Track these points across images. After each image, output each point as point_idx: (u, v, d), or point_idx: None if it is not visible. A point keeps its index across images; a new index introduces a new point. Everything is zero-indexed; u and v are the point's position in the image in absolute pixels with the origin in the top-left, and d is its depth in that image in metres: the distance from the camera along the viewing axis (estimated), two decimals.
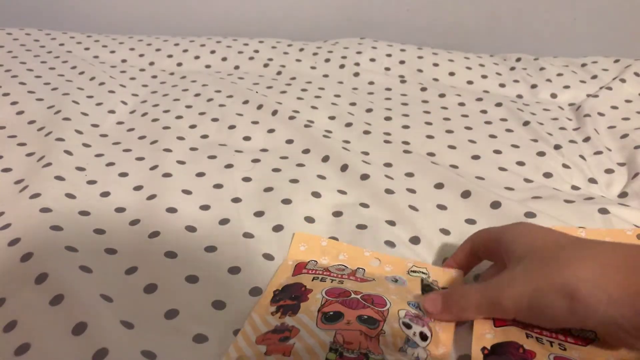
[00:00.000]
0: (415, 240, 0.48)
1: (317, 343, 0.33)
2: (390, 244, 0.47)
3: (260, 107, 0.72)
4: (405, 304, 0.38)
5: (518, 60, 0.91)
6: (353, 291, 0.38)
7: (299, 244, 0.46)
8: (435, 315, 0.37)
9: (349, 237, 0.48)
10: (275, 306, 0.38)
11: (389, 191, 0.54)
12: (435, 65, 0.87)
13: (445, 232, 0.49)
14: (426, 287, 0.41)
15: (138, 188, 0.54)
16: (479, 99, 0.77)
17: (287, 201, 0.52)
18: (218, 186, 0.55)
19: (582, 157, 0.63)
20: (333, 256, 0.45)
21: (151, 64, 0.89)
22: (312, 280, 0.40)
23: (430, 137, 0.67)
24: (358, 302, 0.37)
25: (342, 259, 0.44)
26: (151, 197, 0.52)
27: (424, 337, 0.36)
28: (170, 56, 0.90)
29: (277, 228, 0.49)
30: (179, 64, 0.89)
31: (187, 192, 0.54)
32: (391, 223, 0.50)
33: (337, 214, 0.51)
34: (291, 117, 0.68)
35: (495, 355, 0.34)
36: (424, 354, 0.35)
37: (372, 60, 0.89)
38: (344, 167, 0.58)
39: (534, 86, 0.83)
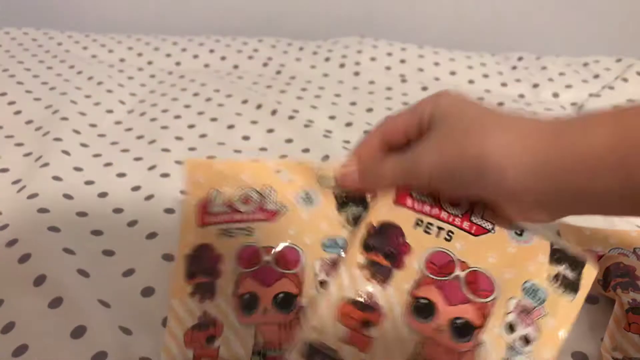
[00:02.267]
0: None
1: (240, 346, 0.32)
2: None
3: (259, 106, 0.71)
4: (320, 249, 0.35)
5: (520, 59, 0.90)
6: (264, 248, 0.35)
7: (195, 174, 0.39)
8: (352, 187, 0.36)
9: None
10: (191, 284, 0.34)
11: None
12: (436, 64, 0.87)
13: None
14: (342, 203, 0.37)
15: (136, 188, 0.53)
16: (481, 98, 0.77)
17: None
18: None
19: None
20: (234, 180, 0.38)
21: (149, 63, 0.88)
22: (219, 236, 0.36)
23: None
24: (272, 272, 0.34)
25: (245, 179, 0.38)
26: (149, 197, 0.52)
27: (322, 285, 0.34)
28: (168, 55, 0.90)
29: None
30: (178, 63, 0.88)
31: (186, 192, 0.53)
32: None
33: None
34: (291, 117, 0.68)
35: (377, 236, 0.34)
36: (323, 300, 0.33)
37: (373, 59, 0.88)
38: None
39: (535, 85, 0.82)
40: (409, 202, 0.35)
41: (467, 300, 0.33)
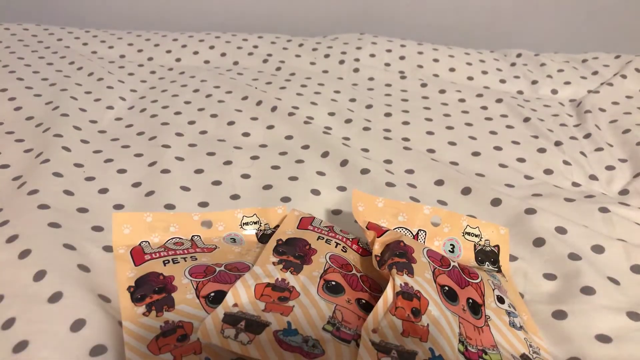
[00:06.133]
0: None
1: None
2: None
3: (259, 103, 0.71)
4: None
5: (519, 56, 0.90)
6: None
7: (121, 227, 0.43)
8: None
9: None
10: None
11: (389, 184, 0.54)
12: (436, 60, 0.87)
13: None
14: (261, 237, 0.45)
15: (137, 184, 0.54)
16: (480, 95, 0.77)
17: (286, 199, 0.52)
18: (217, 183, 0.55)
19: (582, 153, 0.63)
20: (163, 231, 0.43)
21: (150, 59, 0.88)
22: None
23: (430, 133, 0.66)
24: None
25: (173, 230, 0.43)
26: (149, 193, 0.52)
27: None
28: (169, 51, 0.90)
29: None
30: (178, 60, 0.88)
31: (185, 188, 0.53)
32: None
33: (337, 212, 0.51)
34: (291, 114, 0.68)
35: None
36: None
37: (372, 55, 0.88)
38: (344, 163, 0.57)
39: (534, 82, 0.82)
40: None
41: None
